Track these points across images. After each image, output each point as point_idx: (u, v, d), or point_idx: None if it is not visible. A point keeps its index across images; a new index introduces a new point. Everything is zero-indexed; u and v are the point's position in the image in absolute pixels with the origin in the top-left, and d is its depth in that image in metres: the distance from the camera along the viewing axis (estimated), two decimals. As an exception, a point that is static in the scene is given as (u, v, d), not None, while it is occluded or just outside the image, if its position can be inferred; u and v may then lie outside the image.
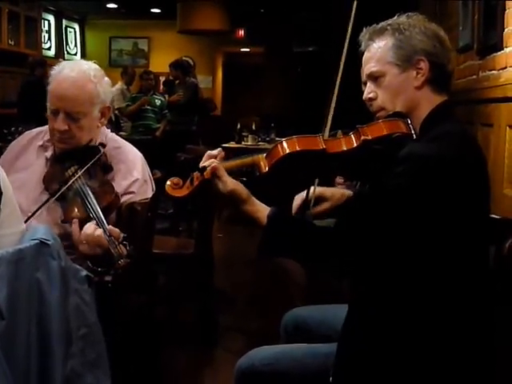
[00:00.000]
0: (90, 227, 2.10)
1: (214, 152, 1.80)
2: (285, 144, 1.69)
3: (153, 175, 2.73)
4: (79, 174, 2.27)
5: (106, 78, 2.47)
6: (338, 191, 2.03)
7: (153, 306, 3.03)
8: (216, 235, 5.25)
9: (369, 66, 1.79)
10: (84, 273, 1.74)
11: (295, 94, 10.96)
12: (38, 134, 2.56)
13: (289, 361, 1.90)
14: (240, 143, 8.17)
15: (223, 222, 5.98)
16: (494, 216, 1.77)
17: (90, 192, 2.23)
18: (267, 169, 1.71)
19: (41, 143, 2.52)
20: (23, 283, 1.52)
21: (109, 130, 2.60)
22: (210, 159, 1.77)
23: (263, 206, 1.72)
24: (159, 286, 4.17)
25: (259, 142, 8.34)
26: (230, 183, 1.70)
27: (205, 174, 1.72)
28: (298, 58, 10.79)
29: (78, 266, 1.75)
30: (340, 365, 1.75)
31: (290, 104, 11.06)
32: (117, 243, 2.03)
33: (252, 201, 1.71)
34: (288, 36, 10.83)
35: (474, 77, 3.83)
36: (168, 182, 1.77)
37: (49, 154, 2.47)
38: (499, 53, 3.25)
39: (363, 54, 1.82)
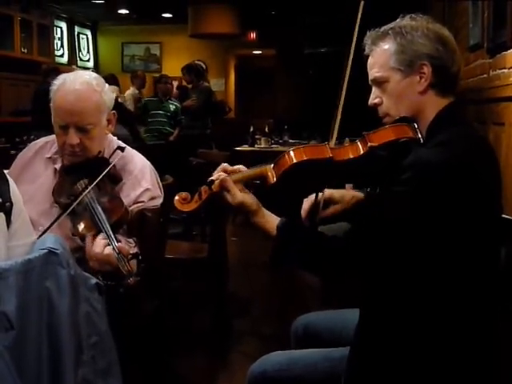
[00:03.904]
0: (99, 245, 2.06)
1: (229, 167, 1.80)
2: (292, 154, 1.68)
3: (165, 180, 2.73)
4: (89, 188, 2.22)
5: (107, 85, 2.45)
6: (348, 193, 1.99)
7: (166, 310, 3.04)
8: (230, 239, 5.26)
9: (373, 71, 1.78)
10: (94, 281, 1.74)
11: (307, 96, 10.94)
12: (45, 145, 2.54)
13: (301, 366, 1.90)
14: (253, 146, 8.15)
15: (237, 225, 5.98)
16: (505, 216, 1.75)
17: (99, 207, 2.18)
18: (275, 179, 1.70)
19: (49, 155, 2.49)
20: (33, 293, 1.52)
21: (115, 138, 2.56)
22: (220, 172, 1.78)
23: (273, 216, 1.73)
24: (173, 290, 4.18)
25: (272, 144, 8.34)
26: (239, 195, 1.71)
27: (213, 187, 1.74)
28: (309, 60, 10.77)
29: (87, 274, 1.75)
30: (352, 370, 1.74)
31: (303, 106, 11.04)
32: (126, 260, 1.99)
33: (262, 212, 1.73)
34: (299, 38, 10.81)
35: (485, 75, 3.81)
36: (176, 197, 1.78)
37: (58, 166, 2.44)
38: (509, 51, 3.23)
39: (368, 57, 1.81)
